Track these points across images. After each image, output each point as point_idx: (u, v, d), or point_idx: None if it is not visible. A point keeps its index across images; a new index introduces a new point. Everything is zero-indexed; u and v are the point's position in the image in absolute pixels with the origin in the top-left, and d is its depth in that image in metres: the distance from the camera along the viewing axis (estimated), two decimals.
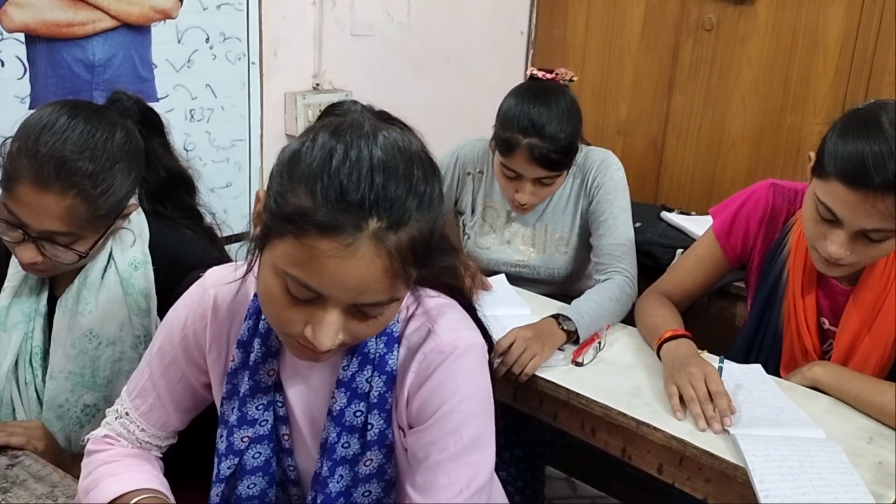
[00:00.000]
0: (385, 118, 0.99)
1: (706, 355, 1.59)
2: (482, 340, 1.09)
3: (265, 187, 0.95)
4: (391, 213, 0.87)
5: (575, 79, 1.91)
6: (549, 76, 1.87)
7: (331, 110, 1.03)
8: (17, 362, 1.43)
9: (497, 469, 1.84)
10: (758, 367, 1.58)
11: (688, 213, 2.65)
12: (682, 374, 1.46)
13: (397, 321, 1.07)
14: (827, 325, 1.60)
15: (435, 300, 1.09)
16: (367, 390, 1.06)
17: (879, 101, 1.46)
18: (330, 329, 0.92)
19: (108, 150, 1.29)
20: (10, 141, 1.29)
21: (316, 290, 0.89)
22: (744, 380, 1.52)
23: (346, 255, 0.86)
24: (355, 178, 0.86)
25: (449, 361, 1.03)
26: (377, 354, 1.06)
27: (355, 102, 1.02)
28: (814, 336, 1.60)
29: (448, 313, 1.08)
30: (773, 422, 1.39)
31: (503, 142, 1.81)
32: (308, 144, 0.91)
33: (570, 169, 1.89)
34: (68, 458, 1.38)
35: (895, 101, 1.44)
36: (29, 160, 1.24)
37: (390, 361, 1.06)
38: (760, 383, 1.52)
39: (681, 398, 1.44)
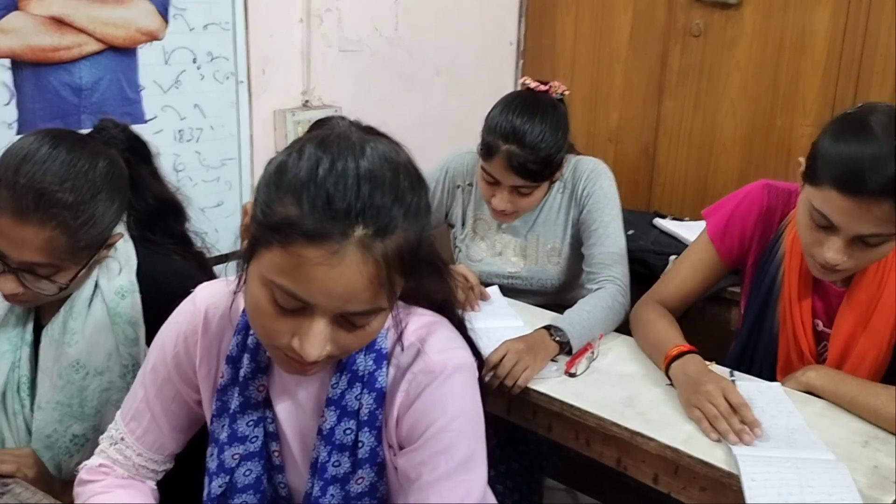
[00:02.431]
0: (373, 132, 0.99)
1: (715, 367, 1.58)
2: (472, 360, 1.09)
3: (254, 200, 0.96)
4: (377, 220, 0.88)
5: (567, 93, 1.92)
6: (542, 87, 1.87)
7: (318, 125, 1.03)
8: (4, 392, 1.43)
9: (493, 483, 1.83)
10: (776, 386, 1.54)
11: (681, 219, 2.65)
12: (700, 394, 1.44)
13: (386, 338, 1.07)
14: (821, 327, 1.60)
15: (424, 318, 1.09)
16: (356, 408, 1.06)
17: (868, 104, 1.46)
18: (317, 339, 0.92)
19: (90, 181, 1.29)
20: None
21: (303, 299, 0.89)
22: (759, 398, 1.48)
23: (332, 262, 0.87)
24: (342, 187, 0.87)
25: (438, 381, 1.03)
26: (366, 371, 1.06)
27: (343, 118, 1.03)
28: (809, 338, 1.60)
29: (438, 332, 1.08)
30: (781, 443, 1.36)
31: (485, 145, 1.82)
32: (294, 156, 0.91)
33: (551, 182, 1.89)
34: (59, 485, 1.38)
35: (885, 103, 1.44)
36: (8, 191, 1.24)
37: (380, 378, 1.06)
38: (776, 402, 1.48)
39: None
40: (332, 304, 0.90)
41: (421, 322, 1.07)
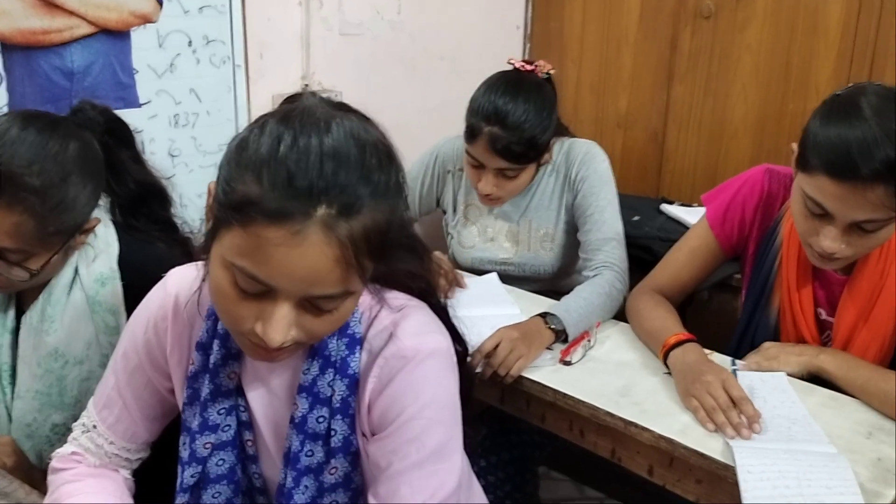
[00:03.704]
0: (343, 108, 0.95)
1: (716, 357, 1.52)
2: (448, 344, 1.04)
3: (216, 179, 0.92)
4: (341, 199, 0.84)
5: (553, 72, 1.86)
6: (527, 67, 1.82)
7: (288, 101, 0.99)
8: None
9: (484, 473, 1.82)
10: (780, 376, 1.48)
11: (689, 205, 2.59)
12: (698, 384, 1.39)
13: (360, 322, 1.03)
14: (823, 316, 1.54)
15: (399, 301, 1.05)
16: (329, 395, 1.02)
17: (859, 84, 1.40)
18: (280, 324, 0.88)
19: (59, 164, 1.25)
20: None
21: (264, 282, 0.85)
22: (761, 388, 1.43)
23: (294, 243, 0.82)
24: (304, 165, 0.83)
25: (410, 367, 0.99)
26: (339, 357, 1.02)
27: (314, 94, 0.98)
28: (812, 328, 1.54)
29: (412, 316, 1.03)
30: (781, 435, 1.31)
31: (468, 128, 1.78)
32: (256, 132, 0.88)
33: (538, 164, 1.83)
34: (39, 474, 1.35)
35: (877, 83, 1.37)
36: None
37: (352, 364, 1.02)
38: (779, 392, 1.43)
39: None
40: (295, 287, 0.86)
41: (395, 305, 1.03)
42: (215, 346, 1.05)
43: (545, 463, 2.16)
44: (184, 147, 2.23)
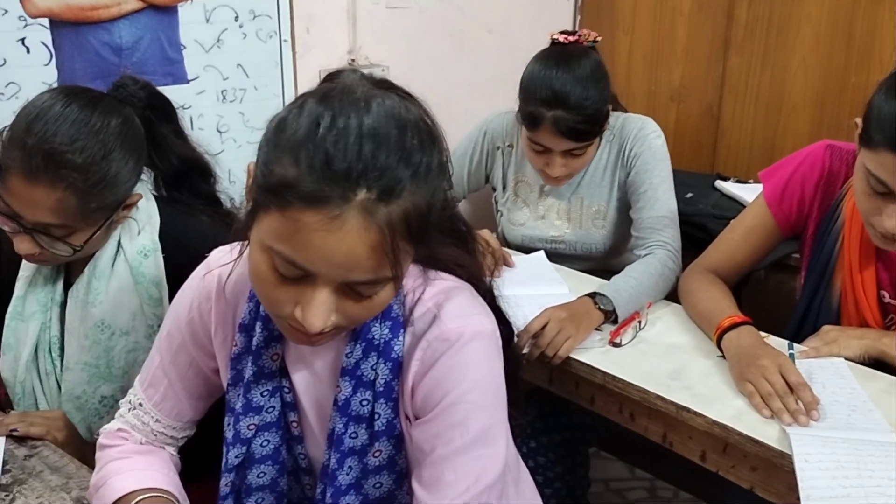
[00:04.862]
0: (385, 86, 0.92)
1: (772, 340, 1.47)
2: (493, 326, 1.01)
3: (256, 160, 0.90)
4: (381, 182, 0.81)
5: (599, 39, 1.80)
6: (571, 39, 1.76)
7: (329, 79, 0.97)
8: (36, 352, 1.42)
9: (535, 454, 1.79)
10: (840, 361, 1.42)
11: (745, 182, 2.51)
12: (754, 368, 1.34)
13: (403, 305, 1.00)
14: (887, 299, 1.47)
15: (443, 283, 1.02)
16: (372, 378, 1.00)
17: None
18: (319, 309, 0.86)
19: (102, 141, 1.25)
20: (6, 129, 1.26)
21: (302, 267, 0.83)
22: (820, 373, 1.38)
23: (332, 228, 0.80)
24: (342, 147, 0.80)
25: (454, 349, 0.96)
26: (382, 340, 1.00)
27: (355, 71, 0.95)
28: (875, 311, 1.48)
29: (456, 297, 1.01)
30: (840, 423, 1.26)
31: (527, 116, 1.72)
32: (295, 112, 0.85)
33: (601, 136, 1.78)
34: (90, 448, 1.36)
35: None
36: (19, 151, 1.21)
37: (396, 348, 1.00)
38: (838, 378, 1.38)
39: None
40: (334, 272, 0.84)
41: (439, 287, 1.01)
42: (258, 327, 1.04)
43: (596, 444, 2.12)
44: (231, 123, 2.22)
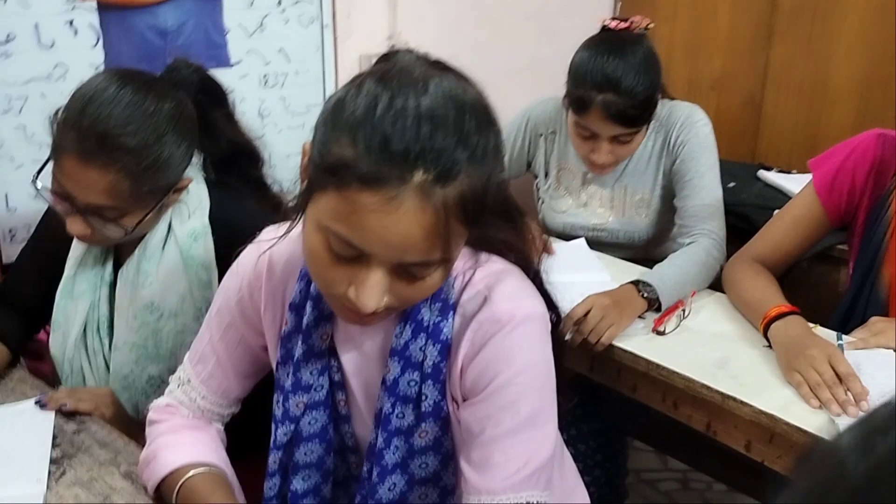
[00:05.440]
0: (441, 67, 0.91)
1: (820, 331, 1.45)
2: (543, 310, 1.01)
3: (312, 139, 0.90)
4: (438, 164, 0.81)
5: (651, 26, 1.78)
6: (622, 26, 1.75)
7: (384, 59, 0.97)
8: (85, 331, 1.44)
9: (575, 442, 1.79)
10: (888, 353, 1.40)
11: (788, 172, 2.48)
12: (802, 358, 1.32)
13: (453, 287, 1.00)
14: None
15: (494, 266, 1.02)
16: (421, 359, 1.00)
17: None
18: (373, 290, 0.86)
19: (154, 124, 1.26)
20: (60, 110, 1.28)
21: (358, 247, 0.84)
22: (868, 364, 1.35)
23: (388, 209, 0.80)
24: (400, 127, 0.80)
25: (505, 331, 0.96)
26: (431, 322, 1.00)
27: (410, 51, 0.95)
28: None
29: (507, 280, 1.00)
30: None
31: (576, 99, 1.71)
32: (353, 92, 0.85)
33: (649, 125, 1.77)
34: (136, 426, 1.38)
35: None
36: (73, 133, 1.22)
37: (445, 330, 0.99)
38: (887, 369, 1.35)
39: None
40: (389, 253, 0.84)
41: (490, 270, 1.00)
42: (308, 307, 1.04)
43: (631, 434, 2.12)
44: (273, 107, 2.23)
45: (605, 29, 1.78)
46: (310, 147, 0.90)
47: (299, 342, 1.05)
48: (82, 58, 1.87)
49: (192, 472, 1.08)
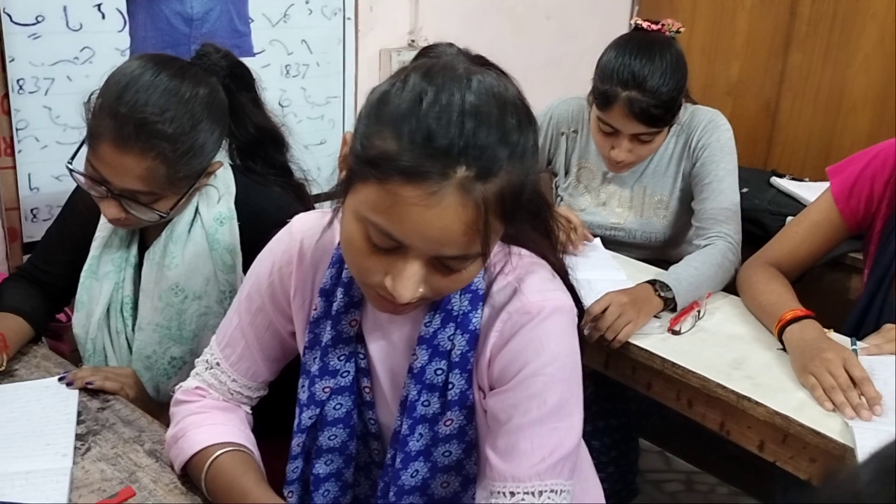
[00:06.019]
0: (481, 62, 0.93)
1: (834, 336, 1.47)
2: (571, 303, 1.03)
3: (354, 130, 0.91)
4: (480, 161, 0.82)
5: (682, 30, 1.80)
6: (654, 27, 1.77)
7: (425, 52, 0.98)
8: (108, 311, 1.46)
9: (588, 438, 1.80)
10: None
11: (800, 180, 2.49)
12: (817, 361, 1.34)
13: (483, 279, 1.02)
14: None
15: (523, 259, 1.04)
16: (448, 348, 1.02)
17: None
18: (410, 281, 0.88)
19: (191, 111, 1.28)
20: (95, 95, 1.29)
21: (397, 239, 0.85)
22: (882, 370, 1.36)
23: (430, 203, 0.82)
24: (444, 123, 0.82)
25: (534, 322, 0.98)
26: (461, 312, 1.01)
27: (451, 45, 0.97)
28: None
29: (536, 273, 1.02)
30: None
31: (601, 94, 1.72)
32: (398, 86, 0.86)
33: (670, 127, 1.78)
34: (156, 406, 1.40)
35: None
36: (110, 119, 1.24)
37: (474, 320, 1.01)
38: None
39: None
40: (427, 246, 0.85)
41: (519, 262, 1.02)
42: (338, 293, 1.06)
43: (645, 433, 2.14)
44: (294, 97, 2.25)
45: (637, 28, 1.79)
46: (351, 138, 0.91)
47: (328, 327, 1.07)
48: (109, 41, 1.89)
49: (222, 451, 1.10)
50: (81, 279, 1.47)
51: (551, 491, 0.96)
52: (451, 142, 0.81)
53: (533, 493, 0.95)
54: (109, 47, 1.89)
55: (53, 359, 1.46)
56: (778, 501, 1.58)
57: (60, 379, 1.34)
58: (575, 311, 1.03)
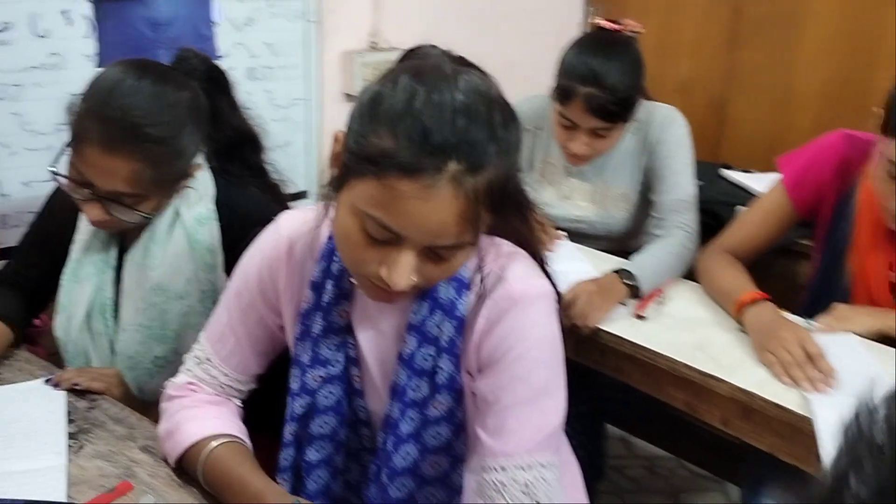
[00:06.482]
0: (463, 63, 0.99)
1: (789, 317, 1.55)
2: (552, 289, 1.09)
3: (346, 129, 0.96)
4: (471, 156, 0.88)
5: (642, 31, 1.88)
6: (614, 26, 1.84)
7: (410, 55, 1.03)
8: (90, 314, 1.48)
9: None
10: (852, 336, 1.50)
11: (749, 171, 2.60)
12: (775, 340, 1.43)
13: (468, 267, 1.07)
14: None
15: (505, 248, 1.10)
16: (436, 335, 1.07)
17: None
18: (405, 270, 0.93)
19: (175, 113, 1.31)
20: (78, 100, 1.31)
21: (395, 231, 0.90)
22: (835, 348, 1.45)
23: (425, 196, 0.87)
24: (438, 121, 0.87)
25: (519, 308, 1.04)
26: (447, 300, 1.07)
27: (434, 47, 1.03)
28: (885, 291, 1.57)
29: (519, 261, 1.08)
30: (857, 390, 1.34)
31: (561, 90, 1.80)
32: (389, 86, 0.91)
33: (626, 123, 1.86)
34: (140, 405, 1.42)
35: None
36: (96, 123, 1.26)
37: (460, 307, 1.07)
38: (851, 351, 1.46)
39: None
40: (423, 237, 0.91)
41: (502, 252, 1.08)
42: (328, 285, 1.11)
43: (611, 419, 2.21)
44: (258, 100, 2.28)
45: (598, 28, 1.86)
46: (343, 137, 0.96)
47: (319, 318, 1.12)
48: (76, 48, 1.90)
49: (218, 442, 1.13)
50: (62, 282, 1.49)
51: (540, 465, 1.02)
52: (445, 138, 0.87)
53: (523, 468, 1.01)
54: (77, 53, 1.90)
55: (36, 362, 1.47)
56: (742, 476, 1.67)
57: (47, 381, 1.36)
58: (555, 296, 1.10)
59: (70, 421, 1.29)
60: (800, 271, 2.17)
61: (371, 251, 0.94)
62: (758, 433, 1.40)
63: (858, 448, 0.40)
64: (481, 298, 1.06)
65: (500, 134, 0.91)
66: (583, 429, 1.88)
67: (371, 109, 0.91)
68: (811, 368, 1.37)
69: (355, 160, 0.91)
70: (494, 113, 0.91)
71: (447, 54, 1.00)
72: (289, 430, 1.16)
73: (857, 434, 0.41)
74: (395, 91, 0.90)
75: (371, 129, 0.90)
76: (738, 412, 1.42)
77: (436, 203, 0.88)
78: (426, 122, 0.87)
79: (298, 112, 2.40)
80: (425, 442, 1.11)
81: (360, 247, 0.94)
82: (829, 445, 1.23)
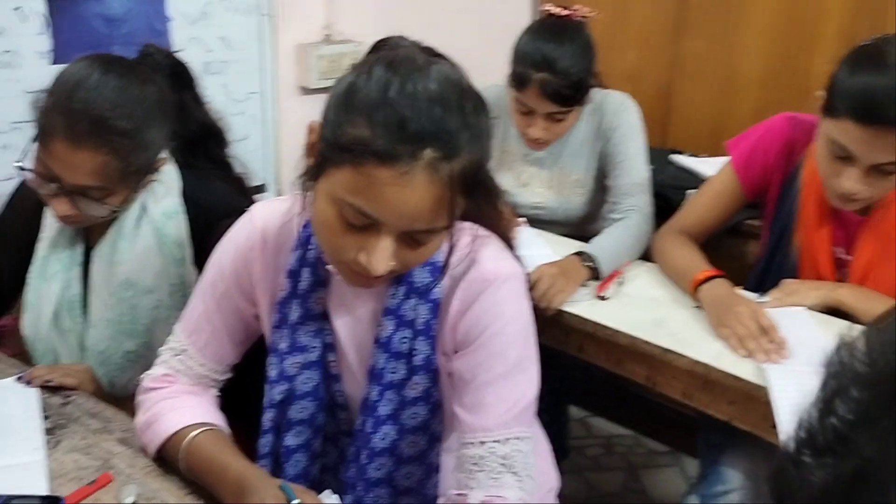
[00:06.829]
0: (433, 53, 1.02)
1: (741, 292, 1.62)
2: (522, 270, 1.14)
3: (322, 119, 0.98)
4: (446, 143, 0.91)
5: (591, 15, 1.93)
6: (565, 12, 1.89)
7: (380, 46, 1.06)
8: (58, 311, 1.47)
9: None
10: (801, 310, 1.57)
11: (697, 156, 2.68)
12: (730, 314, 1.49)
13: (441, 252, 1.11)
14: (841, 255, 1.65)
15: (476, 232, 1.13)
16: (412, 318, 1.11)
17: (885, 35, 1.48)
18: (383, 255, 0.96)
19: (142, 107, 1.32)
20: (43, 95, 1.31)
21: (373, 217, 0.93)
22: (785, 321, 1.52)
23: (402, 182, 0.90)
24: (413, 109, 0.90)
25: (493, 289, 1.08)
26: (422, 283, 1.11)
27: (403, 38, 1.06)
28: (830, 266, 1.65)
29: (490, 244, 1.13)
30: (809, 359, 1.42)
31: (516, 77, 1.84)
32: (364, 77, 0.94)
33: (582, 105, 1.92)
34: (113, 400, 1.43)
35: None
36: (63, 116, 1.27)
37: (435, 290, 1.11)
38: (801, 323, 1.53)
39: None
40: (401, 222, 0.94)
41: (473, 235, 1.12)
42: (305, 273, 1.13)
43: (574, 399, 2.27)
44: (214, 95, 2.24)
45: (549, 14, 1.91)
46: (318, 127, 0.99)
47: (295, 306, 1.14)
48: (30, 44, 1.88)
49: (198, 431, 1.15)
50: (29, 280, 1.49)
51: (516, 438, 1.06)
52: (421, 126, 0.90)
53: (500, 441, 1.05)
54: (31, 50, 1.88)
55: (6, 360, 1.46)
56: (699, 447, 1.74)
57: (18, 378, 1.36)
58: (525, 276, 1.14)
59: (45, 417, 1.29)
60: (749, 250, 2.26)
61: (350, 238, 0.97)
62: (716, 403, 1.47)
63: (841, 378, 0.44)
64: (455, 281, 1.10)
65: (472, 121, 0.94)
66: (546, 408, 1.93)
67: (346, 99, 0.94)
68: (765, 340, 1.44)
69: (332, 149, 0.94)
70: (466, 101, 0.94)
71: (417, 45, 1.03)
72: (268, 417, 1.19)
73: (838, 366, 0.45)
74: (369, 81, 0.93)
75: (347, 119, 0.93)
76: (696, 384, 1.48)
77: (412, 189, 0.91)
78: (402, 111, 0.90)
79: (254, 106, 2.40)
80: (403, 422, 1.14)
81: (339, 234, 0.97)
82: (783, 412, 1.30)
